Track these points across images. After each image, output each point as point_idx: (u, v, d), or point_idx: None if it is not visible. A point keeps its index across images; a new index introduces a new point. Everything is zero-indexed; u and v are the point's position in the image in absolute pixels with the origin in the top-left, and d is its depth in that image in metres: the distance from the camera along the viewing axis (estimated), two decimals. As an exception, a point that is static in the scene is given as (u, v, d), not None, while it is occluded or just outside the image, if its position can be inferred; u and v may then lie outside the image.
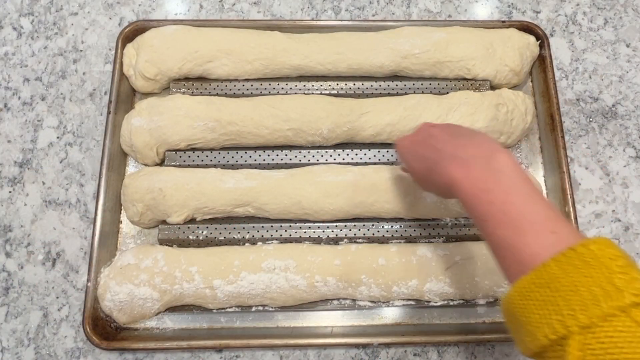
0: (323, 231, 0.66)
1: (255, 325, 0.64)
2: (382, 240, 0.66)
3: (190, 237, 0.65)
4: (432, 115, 0.68)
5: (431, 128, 0.51)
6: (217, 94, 0.72)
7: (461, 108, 0.69)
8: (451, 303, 0.65)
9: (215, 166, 0.68)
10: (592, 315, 0.32)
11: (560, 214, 0.39)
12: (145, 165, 0.69)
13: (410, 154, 0.52)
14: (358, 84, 0.73)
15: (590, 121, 0.75)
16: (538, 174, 0.72)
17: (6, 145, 0.72)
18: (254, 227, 0.66)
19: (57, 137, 0.73)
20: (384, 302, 0.65)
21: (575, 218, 0.66)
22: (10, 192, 0.70)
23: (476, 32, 0.73)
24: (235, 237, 0.65)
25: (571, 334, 0.33)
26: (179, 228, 0.65)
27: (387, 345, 0.64)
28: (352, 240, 0.66)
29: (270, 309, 0.64)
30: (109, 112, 0.69)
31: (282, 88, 0.72)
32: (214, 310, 0.64)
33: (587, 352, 0.32)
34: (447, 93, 0.72)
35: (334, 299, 0.65)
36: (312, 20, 0.79)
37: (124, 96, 0.71)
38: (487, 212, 0.39)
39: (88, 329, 0.60)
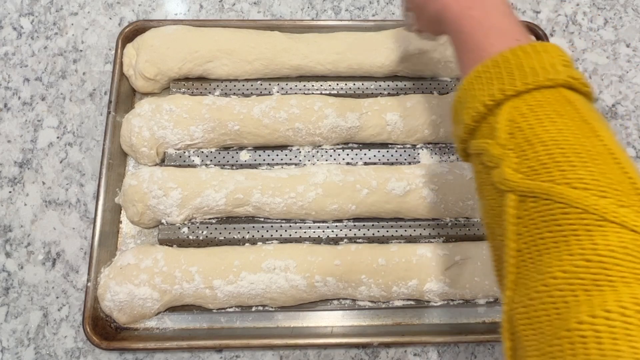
0: (323, 231, 0.66)
1: (255, 325, 0.64)
2: (382, 240, 0.66)
3: (190, 237, 0.65)
4: (432, 115, 0.68)
5: None
6: (217, 94, 0.72)
7: (461, 108, 0.69)
8: (451, 303, 0.65)
9: (215, 166, 0.68)
10: (528, 82, 0.36)
11: (525, 31, 0.43)
12: (145, 165, 0.69)
13: None
14: (358, 84, 0.73)
15: (590, 121, 0.75)
16: (538, 174, 0.72)
17: (6, 145, 0.72)
18: (254, 227, 0.66)
19: (57, 137, 0.73)
20: (384, 302, 0.65)
21: (575, 218, 0.66)
22: (10, 192, 0.70)
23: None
24: (235, 237, 0.65)
25: (506, 99, 0.36)
26: (179, 228, 0.65)
27: (387, 345, 0.64)
28: (352, 240, 0.66)
29: (270, 309, 0.64)
30: (109, 112, 0.69)
31: (282, 88, 0.72)
32: (214, 310, 0.64)
33: (515, 114, 0.35)
34: (447, 93, 0.72)
35: (334, 299, 0.65)
36: (312, 20, 0.79)
37: (124, 96, 0.71)
38: (466, 24, 0.43)
39: (88, 329, 0.60)
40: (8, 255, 0.68)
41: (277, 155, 0.69)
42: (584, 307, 0.26)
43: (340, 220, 0.67)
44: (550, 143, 0.33)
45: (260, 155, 0.69)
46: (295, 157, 0.69)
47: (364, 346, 0.64)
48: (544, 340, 0.28)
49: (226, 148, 0.70)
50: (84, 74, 0.76)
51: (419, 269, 0.62)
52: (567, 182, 0.31)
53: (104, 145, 0.68)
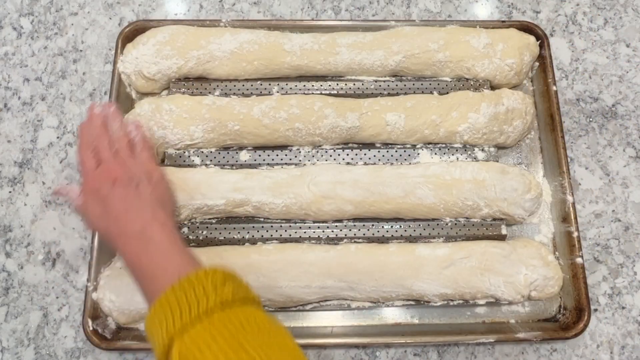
0: (323, 231, 0.66)
1: (255, 325, 0.64)
2: (382, 240, 0.66)
3: (190, 237, 0.65)
4: (432, 115, 0.68)
5: (109, 189, 0.54)
6: (217, 94, 0.72)
7: (461, 108, 0.69)
8: (451, 303, 0.65)
9: (215, 166, 0.68)
10: (184, 320, 0.41)
11: (189, 261, 0.50)
12: (145, 165, 0.69)
13: (91, 218, 0.56)
14: (358, 83, 0.73)
15: (590, 121, 0.75)
16: (538, 174, 0.72)
17: (6, 145, 0.72)
18: (254, 227, 0.66)
19: (57, 137, 0.73)
20: (383, 302, 0.65)
21: (575, 218, 0.66)
22: (10, 192, 0.70)
23: (476, 32, 0.73)
24: (235, 237, 0.65)
25: (174, 339, 0.41)
26: (179, 228, 0.65)
27: (387, 345, 0.64)
28: (352, 240, 0.66)
29: (270, 309, 0.64)
30: (109, 112, 0.69)
31: (282, 88, 0.72)
32: (214, 310, 0.64)
33: (184, 351, 0.40)
34: (447, 93, 0.72)
35: (333, 299, 0.65)
36: (312, 20, 0.79)
37: (124, 96, 0.71)
38: (139, 274, 0.50)
39: (88, 329, 0.60)
40: (8, 255, 0.68)
41: (277, 155, 0.69)
42: None
43: (340, 220, 0.67)
44: None
45: (260, 155, 0.69)
46: (295, 157, 0.69)
47: (364, 346, 0.64)
48: None
49: (226, 148, 0.70)
50: (84, 74, 0.76)
51: (418, 269, 0.62)
52: None
53: (104, 145, 0.67)
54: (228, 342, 0.40)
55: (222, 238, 0.65)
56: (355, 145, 0.71)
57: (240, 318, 0.42)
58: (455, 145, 0.70)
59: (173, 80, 0.72)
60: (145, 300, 0.49)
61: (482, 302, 0.65)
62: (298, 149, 0.70)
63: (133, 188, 0.54)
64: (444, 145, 0.70)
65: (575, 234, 0.66)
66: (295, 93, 0.72)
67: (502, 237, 0.66)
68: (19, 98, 0.75)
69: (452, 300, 0.64)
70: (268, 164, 0.69)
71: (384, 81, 0.74)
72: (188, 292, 0.43)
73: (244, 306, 0.44)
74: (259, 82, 0.73)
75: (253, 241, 0.66)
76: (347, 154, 0.70)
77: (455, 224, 0.67)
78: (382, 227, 0.66)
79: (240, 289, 0.45)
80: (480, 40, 0.72)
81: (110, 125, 0.59)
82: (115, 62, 0.71)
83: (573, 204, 0.67)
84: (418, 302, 0.65)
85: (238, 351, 0.39)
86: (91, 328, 0.61)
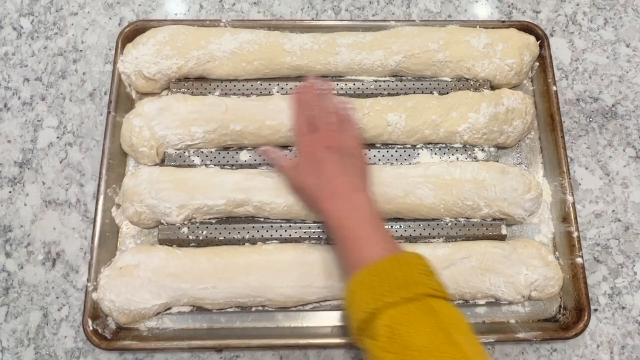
0: (323, 231, 0.66)
1: (255, 325, 0.64)
2: (382, 240, 0.66)
3: (190, 237, 0.65)
4: (432, 115, 0.68)
5: (325, 153, 0.59)
6: (217, 94, 0.72)
7: (461, 108, 0.69)
8: (451, 303, 0.65)
9: (215, 166, 0.68)
10: (401, 295, 0.45)
11: (390, 238, 0.54)
12: (146, 165, 0.69)
13: (302, 176, 0.61)
14: (358, 83, 0.73)
15: (590, 121, 0.75)
16: (538, 174, 0.72)
17: (6, 145, 0.72)
18: (254, 227, 0.66)
19: (57, 137, 0.73)
20: (384, 302, 0.65)
21: (575, 218, 0.66)
22: (10, 192, 0.70)
23: (476, 32, 0.73)
24: (235, 237, 0.65)
25: (383, 308, 0.45)
26: (179, 228, 0.65)
27: (387, 345, 0.64)
28: (352, 240, 0.66)
29: (270, 309, 0.64)
30: (109, 112, 0.69)
31: (282, 88, 0.72)
32: (214, 310, 0.64)
33: (391, 321, 0.44)
34: (447, 93, 0.72)
35: (333, 299, 0.65)
36: (312, 20, 0.79)
37: (124, 96, 0.71)
38: (342, 235, 0.54)
39: (88, 329, 0.60)
40: (8, 255, 0.68)
41: (277, 155, 0.69)
42: None
43: (340, 220, 0.67)
44: (420, 352, 0.42)
45: (260, 155, 0.69)
46: (296, 157, 0.69)
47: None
48: None
49: (226, 148, 0.70)
50: (84, 74, 0.76)
51: (419, 269, 0.62)
52: None
53: (104, 145, 0.68)
54: (428, 324, 0.43)
55: (222, 238, 0.65)
56: (355, 145, 0.71)
57: (445, 310, 0.46)
58: (455, 145, 0.70)
59: (173, 80, 0.72)
60: (344, 258, 0.53)
61: (482, 302, 0.65)
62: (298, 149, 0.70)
63: (344, 157, 0.59)
64: (444, 145, 0.70)
65: (575, 234, 0.66)
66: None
67: (502, 237, 0.67)
68: (19, 98, 0.75)
69: (452, 300, 0.64)
70: (268, 164, 0.69)
71: (384, 81, 0.74)
72: (402, 270, 0.47)
73: (446, 301, 0.48)
74: (259, 82, 0.73)
75: (253, 241, 0.66)
76: (347, 154, 0.69)
77: (455, 224, 0.67)
78: (382, 227, 0.66)
79: (441, 285, 0.49)
80: (480, 40, 0.72)
81: (323, 98, 0.64)
82: (115, 62, 0.71)
83: (573, 204, 0.67)
84: (418, 302, 0.65)
85: (447, 337, 0.43)
86: (91, 328, 0.61)
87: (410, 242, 0.66)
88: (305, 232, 0.66)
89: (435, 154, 0.70)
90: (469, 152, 0.70)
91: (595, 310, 0.67)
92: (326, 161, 0.58)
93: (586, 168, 0.73)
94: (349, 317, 0.50)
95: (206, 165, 0.68)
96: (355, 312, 0.47)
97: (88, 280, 0.62)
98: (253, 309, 0.64)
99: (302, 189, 0.61)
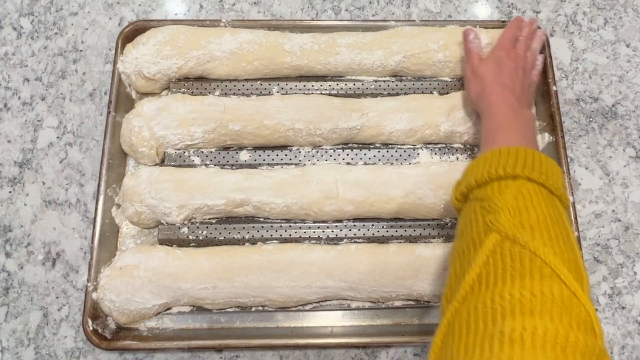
0: (323, 231, 0.66)
1: (255, 325, 0.64)
2: (382, 240, 0.66)
3: (190, 237, 0.65)
4: (432, 116, 0.68)
5: (514, 66, 0.65)
6: (217, 94, 0.72)
7: (462, 108, 0.69)
8: (451, 303, 0.65)
9: (215, 166, 0.68)
10: (542, 179, 0.48)
11: (538, 148, 0.57)
12: (145, 165, 0.69)
13: (485, 65, 0.66)
14: (358, 83, 0.73)
15: (590, 121, 0.75)
16: (538, 174, 0.72)
17: (6, 145, 0.72)
18: (254, 227, 0.66)
19: (57, 137, 0.73)
20: (383, 302, 0.65)
21: (576, 218, 0.66)
22: (10, 192, 0.70)
23: (479, 32, 0.73)
24: (235, 237, 0.65)
25: (522, 177, 0.47)
26: (179, 228, 0.65)
27: (387, 345, 0.64)
28: (352, 240, 0.66)
29: (270, 309, 0.64)
30: (109, 112, 0.69)
31: (282, 88, 0.72)
32: (214, 310, 0.64)
33: (522, 188, 0.47)
34: (447, 93, 0.72)
35: (333, 299, 0.65)
36: (312, 20, 0.79)
37: (124, 96, 0.71)
38: (499, 122, 0.58)
39: (88, 329, 0.60)
40: (8, 255, 0.68)
41: (277, 155, 0.69)
42: (513, 322, 0.36)
43: (340, 221, 0.67)
44: (540, 217, 0.44)
45: (260, 155, 0.69)
46: (295, 157, 0.69)
47: (364, 346, 0.64)
48: (477, 335, 0.37)
49: (226, 148, 0.70)
50: (84, 74, 0.76)
51: (418, 269, 0.62)
52: (543, 243, 0.41)
53: (104, 145, 0.68)
54: (553, 207, 0.46)
55: (222, 238, 0.65)
56: (355, 145, 0.71)
57: (562, 210, 0.48)
58: (455, 145, 0.70)
59: (173, 80, 0.72)
60: (490, 141, 0.56)
61: (482, 302, 0.65)
62: (298, 149, 0.70)
63: (525, 83, 0.64)
64: (444, 145, 0.70)
65: (575, 234, 0.66)
66: (295, 93, 0.72)
67: (502, 237, 0.66)
68: (19, 98, 0.75)
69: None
70: (268, 164, 0.69)
71: (384, 81, 0.74)
72: (542, 164, 0.49)
73: (565, 210, 0.50)
74: (259, 82, 0.73)
75: (253, 241, 0.66)
76: (347, 154, 0.70)
77: (455, 224, 0.66)
78: (382, 227, 0.66)
79: (568, 199, 0.52)
80: (480, 40, 0.72)
81: (534, 38, 0.69)
82: (115, 62, 0.71)
83: (573, 204, 0.67)
84: (418, 302, 0.65)
85: (558, 216, 0.45)
86: (91, 328, 0.61)
87: (410, 242, 0.66)
88: (305, 232, 0.66)
89: (435, 154, 0.70)
90: (469, 152, 0.70)
91: (596, 310, 0.67)
92: (512, 71, 0.63)
93: (586, 168, 0.73)
94: (474, 172, 0.51)
95: (206, 165, 0.68)
96: (493, 167, 0.49)
97: (88, 280, 0.62)
98: (253, 309, 0.64)
99: (479, 76, 0.64)
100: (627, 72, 0.78)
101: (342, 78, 0.74)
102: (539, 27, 0.71)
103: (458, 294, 0.41)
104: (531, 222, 0.43)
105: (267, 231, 0.66)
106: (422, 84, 0.73)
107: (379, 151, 0.70)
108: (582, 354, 0.34)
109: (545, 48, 0.74)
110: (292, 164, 0.69)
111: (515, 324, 0.35)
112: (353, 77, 0.74)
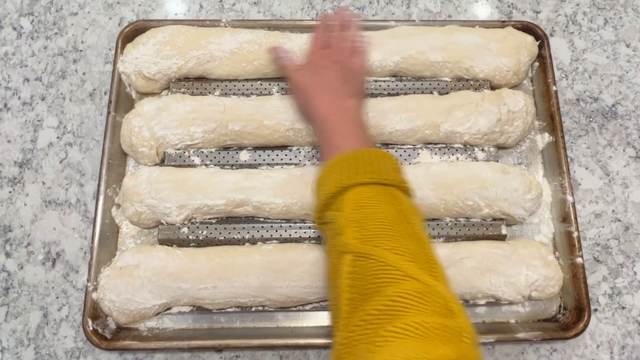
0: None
1: (255, 325, 0.64)
2: (382, 240, 0.66)
3: (190, 237, 0.65)
4: (432, 116, 0.68)
5: (329, 64, 0.64)
6: (217, 94, 0.72)
7: (462, 108, 0.69)
8: (451, 303, 0.65)
9: (215, 166, 0.68)
10: (372, 177, 0.50)
11: (370, 138, 0.60)
12: (145, 165, 0.69)
13: (302, 76, 0.65)
14: (358, 84, 0.73)
15: (590, 121, 0.75)
16: (538, 174, 0.72)
17: (6, 145, 0.72)
18: (254, 227, 0.66)
19: (57, 137, 0.73)
20: (383, 302, 0.64)
21: (576, 218, 0.66)
22: (10, 192, 0.70)
23: (475, 32, 0.73)
24: (235, 237, 0.65)
25: (354, 185, 0.50)
26: (179, 228, 0.65)
27: (387, 345, 0.64)
28: (352, 240, 0.66)
29: (270, 309, 0.64)
30: (109, 112, 0.69)
31: (282, 88, 0.72)
32: (214, 310, 0.64)
33: (358, 196, 0.49)
34: (447, 93, 0.72)
35: (334, 299, 0.65)
36: (312, 20, 0.79)
37: (124, 96, 0.71)
38: (326, 128, 0.58)
39: (88, 329, 0.60)
40: (8, 255, 0.68)
41: (277, 155, 0.69)
42: (382, 331, 0.38)
43: (340, 220, 0.67)
44: (380, 221, 0.46)
45: (260, 155, 0.69)
46: (295, 157, 0.69)
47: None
48: (357, 356, 0.39)
49: (226, 148, 0.70)
50: (84, 74, 0.76)
51: (418, 269, 0.62)
52: (387, 249, 0.43)
53: (104, 145, 0.68)
54: (391, 204, 0.49)
55: (222, 238, 0.65)
56: (355, 145, 0.71)
57: (407, 200, 0.51)
58: (455, 146, 0.70)
59: (173, 80, 0.72)
60: (325, 149, 0.57)
61: (482, 302, 0.65)
62: (298, 149, 0.70)
63: (346, 72, 0.64)
64: (444, 145, 0.70)
65: (575, 234, 0.66)
66: (295, 93, 0.72)
67: (502, 237, 0.67)
68: (19, 98, 0.75)
69: (413, 196, 0.64)
70: (268, 164, 0.69)
71: (384, 81, 0.74)
72: (377, 160, 0.52)
73: (409, 196, 0.53)
74: (259, 82, 0.73)
75: (253, 241, 0.66)
76: (347, 154, 0.69)
77: (455, 224, 0.67)
78: (382, 227, 0.66)
79: (407, 182, 0.53)
80: (479, 40, 0.72)
81: (345, 26, 0.69)
82: (115, 62, 0.71)
83: (573, 204, 0.67)
84: (418, 302, 0.65)
85: (403, 216, 0.48)
86: (91, 328, 0.61)
87: (410, 242, 0.66)
88: (305, 232, 0.66)
89: (435, 154, 0.70)
90: (469, 152, 0.70)
91: (595, 310, 0.67)
92: (328, 69, 0.63)
93: (586, 168, 0.73)
94: (316, 196, 0.53)
95: (206, 165, 0.68)
96: (327, 187, 0.51)
97: (88, 280, 0.62)
98: (253, 309, 0.64)
99: (299, 87, 0.65)
100: (627, 72, 0.78)
101: (342, 78, 0.74)
102: (349, 12, 0.71)
103: (340, 323, 0.43)
104: (373, 230, 0.45)
105: (267, 231, 0.66)
106: (421, 84, 0.73)
107: (379, 151, 0.70)
108: (443, 336, 0.37)
109: (546, 48, 0.74)
110: (292, 164, 0.69)
111: (383, 332, 0.38)
112: (353, 77, 0.74)
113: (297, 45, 0.71)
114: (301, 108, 0.66)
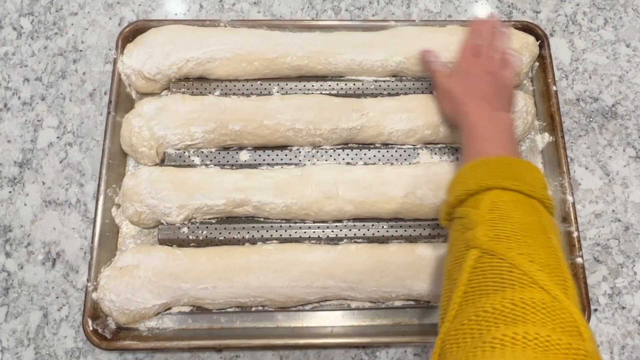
0: (323, 231, 0.66)
1: (255, 325, 0.64)
2: (382, 240, 0.66)
3: (190, 237, 0.65)
4: (432, 116, 0.68)
5: (480, 73, 0.64)
6: (217, 94, 0.72)
7: (461, 108, 0.69)
8: (451, 303, 0.65)
9: (215, 166, 0.68)
10: (516, 185, 0.49)
11: (519, 153, 0.61)
12: (145, 165, 0.69)
13: (453, 82, 0.65)
14: (358, 83, 0.73)
15: (590, 121, 0.75)
16: (538, 174, 0.72)
17: (6, 145, 0.72)
18: (254, 227, 0.66)
19: (57, 137, 0.73)
20: (384, 302, 0.65)
21: (576, 218, 0.66)
22: (10, 192, 0.70)
23: (476, 32, 0.73)
24: (235, 237, 0.66)
25: (495, 188, 0.49)
26: (179, 228, 0.65)
27: (387, 345, 0.64)
28: (352, 240, 0.66)
29: (270, 309, 0.64)
30: (109, 112, 0.69)
31: (282, 88, 0.72)
32: (214, 311, 0.64)
33: (497, 199, 0.48)
34: (447, 93, 0.72)
35: (333, 299, 0.65)
36: (312, 20, 0.79)
37: (124, 96, 0.71)
38: (475, 133, 0.58)
39: (88, 329, 0.60)
40: (8, 255, 0.68)
41: (277, 155, 0.69)
42: (496, 332, 0.37)
43: (340, 220, 0.67)
44: (515, 225, 0.45)
45: (260, 155, 0.69)
46: (295, 157, 0.69)
47: (364, 346, 0.64)
48: (465, 350, 0.38)
49: (226, 148, 0.70)
50: (84, 74, 0.76)
51: (418, 269, 0.62)
52: (519, 253, 0.42)
53: (104, 145, 0.68)
54: (531, 214, 0.47)
55: (222, 238, 0.65)
56: (355, 145, 0.71)
57: (549, 217, 0.49)
58: (455, 145, 0.70)
59: (173, 80, 0.72)
60: (467, 154, 0.57)
61: (482, 302, 0.65)
62: (298, 149, 0.70)
63: (497, 83, 0.63)
64: (444, 145, 0.70)
65: (575, 234, 0.66)
66: (295, 93, 0.72)
67: (502, 237, 0.66)
68: (19, 98, 0.75)
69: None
70: (268, 164, 0.69)
71: (384, 81, 0.74)
72: (525, 171, 0.51)
73: (552, 215, 0.51)
74: (259, 82, 0.73)
75: (253, 241, 0.66)
76: (347, 154, 0.70)
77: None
78: (382, 227, 0.66)
79: (552, 200, 0.51)
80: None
81: (495, 36, 0.67)
82: (115, 62, 0.71)
83: (573, 204, 0.67)
84: (418, 302, 0.65)
85: (543, 229, 0.46)
86: (91, 328, 0.61)
87: (410, 242, 0.66)
88: (305, 232, 0.66)
89: (435, 154, 0.70)
90: (469, 152, 0.70)
91: (595, 310, 0.67)
92: (479, 79, 0.63)
93: (586, 168, 0.73)
94: (452, 192, 0.52)
95: (206, 165, 0.68)
96: (466, 184, 0.50)
97: (88, 280, 0.62)
98: (253, 309, 0.64)
99: (449, 93, 0.64)
100: (627, 72, 0.78)
101: (342, 78, 0.74)
102: (499, 22, 0.69)
103: (449, 314, 0.42)
104: (507, 232, 0.44)
105: (267, 231, 0.66)
106: (422, 84, 0.73)
107: (379, 151, 0.70)
108: (565, 355, 0.35)
109: (546, 48, 0.74)
110: (292, 164, 0.69)
111: (497, 333, 0.36)
112: (353, 77, 0.74)
113: (297, 45, 0.71)
114: (447, 114, 0.66)
